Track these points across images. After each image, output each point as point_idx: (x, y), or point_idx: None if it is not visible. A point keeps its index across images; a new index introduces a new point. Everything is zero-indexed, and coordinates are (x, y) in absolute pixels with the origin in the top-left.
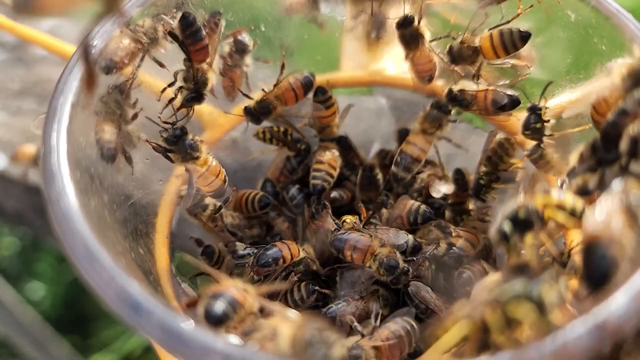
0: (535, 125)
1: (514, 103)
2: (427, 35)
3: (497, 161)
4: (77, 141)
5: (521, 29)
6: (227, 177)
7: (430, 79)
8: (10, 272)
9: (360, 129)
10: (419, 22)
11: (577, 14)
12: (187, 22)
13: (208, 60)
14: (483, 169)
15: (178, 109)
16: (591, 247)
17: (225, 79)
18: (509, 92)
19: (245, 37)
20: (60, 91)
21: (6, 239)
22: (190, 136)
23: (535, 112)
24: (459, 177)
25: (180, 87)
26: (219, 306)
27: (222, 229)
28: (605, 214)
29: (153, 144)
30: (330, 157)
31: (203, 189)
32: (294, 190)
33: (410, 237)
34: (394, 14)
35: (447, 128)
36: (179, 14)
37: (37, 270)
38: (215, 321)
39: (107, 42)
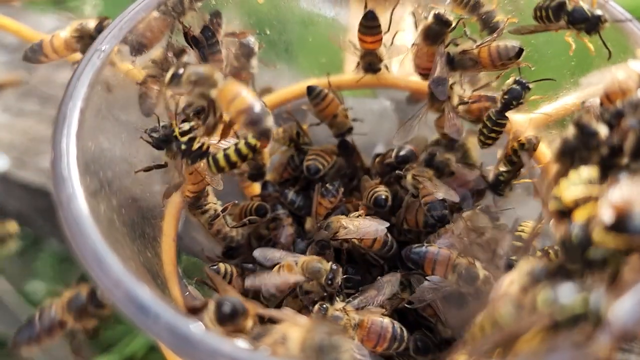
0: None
1: (520, 52)
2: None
3: (516, 160)
4: (86, 146)
5: (514, 44)
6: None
7: (426, 77)
8: (10, 271)
9: (363, 131)
10: (452, 29)
11: None
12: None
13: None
14: (503, 167)
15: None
16: (628, 215)
17: None
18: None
19: (251, 40)
20: (69, 96)
21: None
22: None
23: None
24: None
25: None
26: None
27: (217, 233)
28: (627, 189)
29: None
30: (323, 149)
31: (189, 187)
32: (291, 194)
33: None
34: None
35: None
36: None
37: (38, 270)
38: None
39: (137, 24)
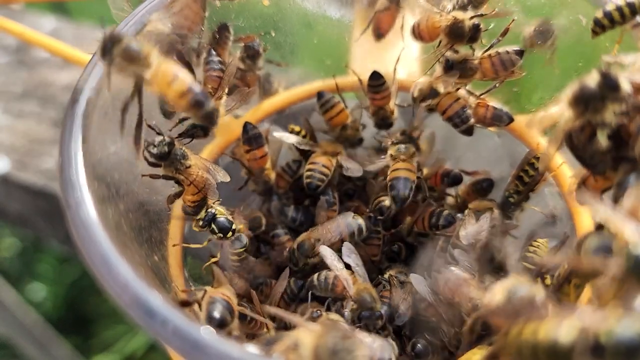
0: None
1: (521, 54)
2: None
3: (528, 180)
4: (94, 150)
5: (515, 49)
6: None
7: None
8: (11, 273)
9: (365, 133)
10: (478, 40)
11: (588, 19)
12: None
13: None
14: (514, 187)
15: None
16: None
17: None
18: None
19: (256, 43)
20: (75, 101)
21: (7, 240)
22: (178, 146)
23: None
24: (488, 186)
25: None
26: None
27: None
28: None
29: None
30: (325, 159)
31: (188, 197)
32: (291, 212)
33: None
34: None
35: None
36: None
37: (39, 271)
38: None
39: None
